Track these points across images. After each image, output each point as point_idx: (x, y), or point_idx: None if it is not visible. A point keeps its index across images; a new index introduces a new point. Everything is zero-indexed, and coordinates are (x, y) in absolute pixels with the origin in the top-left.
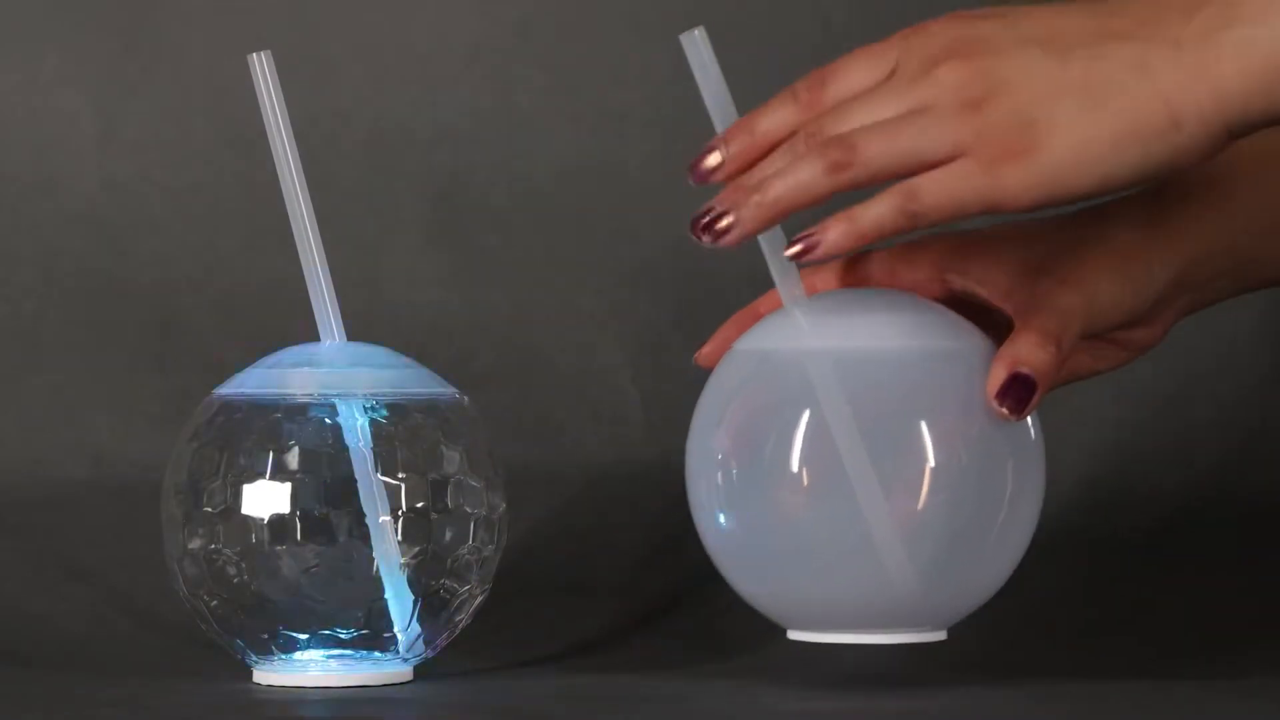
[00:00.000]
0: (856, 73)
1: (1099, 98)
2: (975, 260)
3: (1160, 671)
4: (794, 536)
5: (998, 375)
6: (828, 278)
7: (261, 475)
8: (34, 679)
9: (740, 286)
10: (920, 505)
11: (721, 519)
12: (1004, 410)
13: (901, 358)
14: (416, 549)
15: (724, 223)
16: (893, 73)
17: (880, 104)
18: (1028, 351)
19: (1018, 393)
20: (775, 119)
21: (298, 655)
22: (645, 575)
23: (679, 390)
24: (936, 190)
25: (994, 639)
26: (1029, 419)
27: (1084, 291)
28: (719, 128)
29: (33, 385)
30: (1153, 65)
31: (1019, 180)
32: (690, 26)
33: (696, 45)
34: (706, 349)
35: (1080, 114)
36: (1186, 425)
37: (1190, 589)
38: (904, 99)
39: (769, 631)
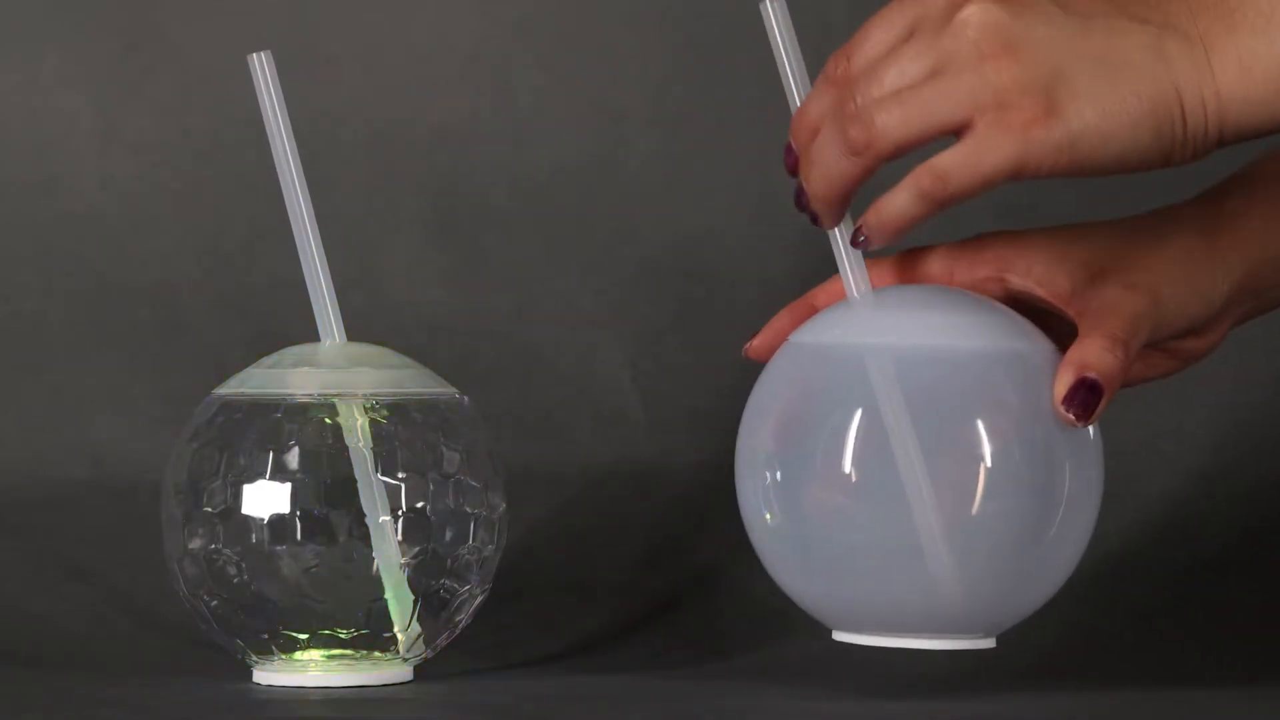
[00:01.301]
0: (877, 37)
1: (1117, 73)
2: (1036, 261)
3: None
4: (843, 536)
5: (1065, 380)
6: (884, 275)
7: (261, 475)
8: (34, 679)
9: (740, 286)
10: (975, 508)
11: (769, 515)
12: (1071, 416)
13: (964, 357)
14: (416, 549)
15: (814, 216)
16: (915, 29)
17: (907, 60)
18: (1095, 356)
19: (1085, 398)
20: (817, 105)
21: (298, 655)
22: (645, 575)
23: (679, 390)
24: (959, 168)
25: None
26: None
27: (1151, 297)
28: (798, 99)
29: (33, 385)
30: (1169, 53)
31: (1043, 143)
32: (690, 27)
33: (772, 17)
34: (758, 341)
35: (1101, 85)
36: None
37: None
38: (929, 52)
39: (769, 632)
